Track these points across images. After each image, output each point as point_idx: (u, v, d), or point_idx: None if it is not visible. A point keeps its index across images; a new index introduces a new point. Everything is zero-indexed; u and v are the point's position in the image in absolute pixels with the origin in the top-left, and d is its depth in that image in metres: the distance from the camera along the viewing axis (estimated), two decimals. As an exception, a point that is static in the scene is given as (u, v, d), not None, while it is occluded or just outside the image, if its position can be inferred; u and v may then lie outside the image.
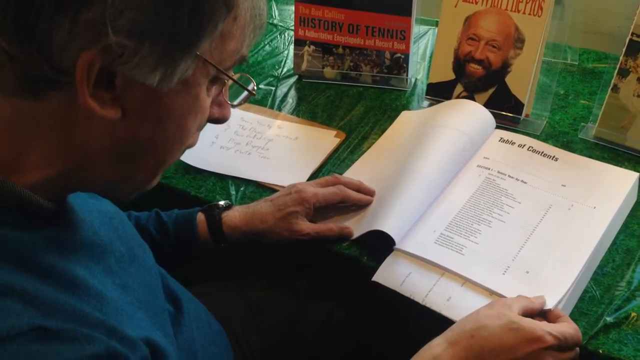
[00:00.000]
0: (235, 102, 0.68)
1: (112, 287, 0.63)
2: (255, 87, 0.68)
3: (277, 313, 1.02)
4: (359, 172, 1.08)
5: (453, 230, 0.94)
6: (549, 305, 0.82)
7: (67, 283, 0.57)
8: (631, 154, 1.07)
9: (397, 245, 0.92)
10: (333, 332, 1.02)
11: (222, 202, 0.99)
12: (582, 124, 1.13)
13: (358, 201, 1.00)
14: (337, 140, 1.16)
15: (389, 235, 0.91)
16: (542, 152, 1.05)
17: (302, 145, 1.16)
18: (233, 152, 1.16)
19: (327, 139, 1.17)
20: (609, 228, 0.93)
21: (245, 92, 0.67)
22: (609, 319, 0.84)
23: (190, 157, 1.14)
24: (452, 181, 1.01)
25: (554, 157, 1.04)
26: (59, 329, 0.53)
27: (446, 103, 1.14)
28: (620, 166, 1.05)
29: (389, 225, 0.92)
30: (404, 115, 1.19)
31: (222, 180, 1.10)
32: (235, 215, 0.96)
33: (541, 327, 0.74)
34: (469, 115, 1.09)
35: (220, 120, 0.66)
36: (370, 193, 1.00)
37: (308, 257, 1.04)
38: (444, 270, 0.89)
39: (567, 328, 0.76)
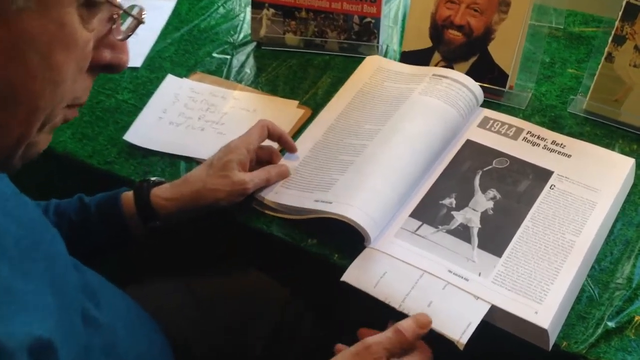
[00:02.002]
0: (120, 36, 0.56)
1: (8, 273, 0.53)
2: (144, 14, 0.57)
3: (230, 310, 0.92)
4: (318, 131, 0.97)
5: (436, 225, 0.83)
6: (547, 322, 0.72)
7: None
8: (626, 130, 0.97)
9: (372, 245, 0.80)
10: (292, 327, 0.94)
11: (153, 178, 0.88)
12: (571, 96, 1.02)
13: (281, 135, 0.91)
14: (300, 112, 1.03)
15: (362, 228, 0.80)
16: (530, 133, 0.94)
17: (262, 118, 1.03)
18: (184, 129, 1.02)
19: (289, 111, 1.04)
20: (607, 218, 0.83)
21: (130, 19, 0.56)
22: (610, 324, 0.75)
23: (134, 136, 1.00)
24: (433, 166, 0.90)
25: (544, 139, 0.93)
26: None
27: (433, 69, 1.01)
28: (614, 143, 0.95)
29: (364, 217, 0.80)
30: (372, 61, 1.06)
31: (173, 162, 0.97)
32: (166, 186, 0.87)
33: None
34: (462, 89, 0.96)
35: (114, 66, 0.56)
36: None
37: (269, 252, 0.92)
38: (423, 271, 0.78)
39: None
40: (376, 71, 1.04)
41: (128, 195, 0.86)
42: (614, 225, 0.85)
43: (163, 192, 0.85)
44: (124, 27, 0.56)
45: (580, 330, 0.75)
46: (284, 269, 0.93)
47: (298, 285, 0.94)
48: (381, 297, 0.76)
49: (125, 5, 0.54)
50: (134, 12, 0.56)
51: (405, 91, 0.97)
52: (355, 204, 0.81)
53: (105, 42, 0.55)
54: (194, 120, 1.03)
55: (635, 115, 0.95)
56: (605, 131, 0.97)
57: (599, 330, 0.74)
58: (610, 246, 0.83)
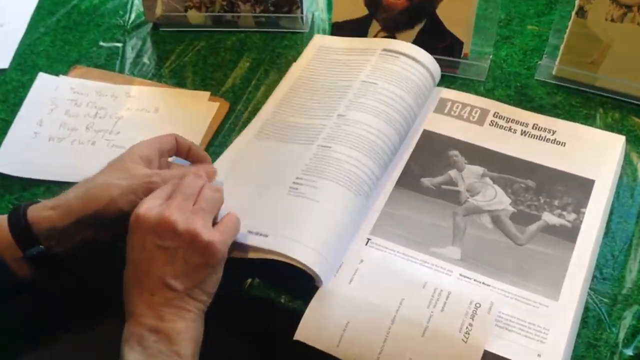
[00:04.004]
0: None
1: None
2: None
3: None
4: (249, 133, 0.78)
5: (407, 244, 0.66)
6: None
7: None
8: (605, 97, 0.82)
9: (325, 285, 0.63)
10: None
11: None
12: (537, 60, 0.87)
13: (191, 146, 0.72)
14: (214, 105, 0.84)
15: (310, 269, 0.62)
16: (497, 115, 0.78)
17: (167, 120, 0.83)
18: (69, 145, 0.81)
19: (200, 106, 0.84)
20: (605, 212, 0.69)
21: None
22: (627, 352, 0.61)
23: (5, 162, 0.78)
24: (388, 171, 0.73)
25: (518, 122, 0.77)
26: None
27: (382, 42, 0.83)
28: (595, 114, 0.81)
29: (311, 255, 0.62)
30: (314, 43, 0.88)
31: (63, 191, 0.76)
32: (46, 202, 0.65)
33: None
34: (419, 70, 0.79)
35: None
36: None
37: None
38: (395, 313, 0.62)
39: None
40: (317, 53, 0.85)
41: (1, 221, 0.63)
42: (609, 219, 0.71)
43: (43, 204, 0.64)
44: None
45: (592, 363, 0.61)
46: (226, 315, 0.75)
47: (245, 332, 0.76)
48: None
49: None
50: None
51: (352, 73, 0.79)
52: (298, 236, 0.63)
53: None
54: (81, 131, 0.82)
55: (616, 79, 0.80)
56: (581, 100, 0.82)
57: (615, 361, 0.61)
58: (610, 246, 0.68)
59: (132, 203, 0.63)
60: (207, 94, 0.85)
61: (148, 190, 0.63)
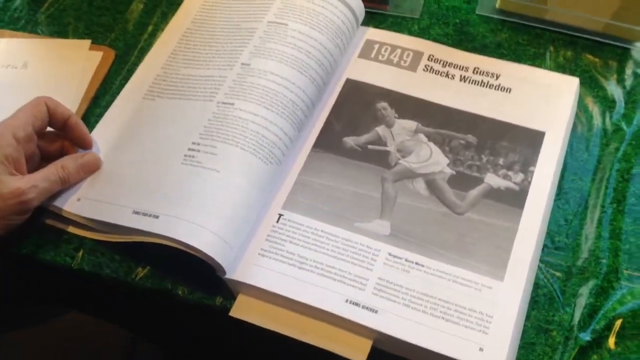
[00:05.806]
0: None
1: None
2: None
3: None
4: (136, 92, 0.65)
5: (326, 219, 0.55)
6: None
7: None
8: (556, 32, 0.71)
9: (229, 275, 0.52)
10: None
11: None
12: (478, -9, 0.75)
13: (69, 118, 0.59)
14: (97, 55, 0.70)
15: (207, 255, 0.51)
16: (432, 58, 0.66)
17: (38, 76, 0.70)
18: None
19: (79, 58, 0.70)
20: (557, 168, 0.59)
21: None
22: (583, 337, 0.52)
23: None
24: (305, 131, 0.61)
25: (456, 65, 0.65)
26: None
27: None
28: (544, 52, 0.70)
29: (209, 239, 0.51)
30: None
31: None
32: None
33: None
34: (336, 5, 0.65)
35: None
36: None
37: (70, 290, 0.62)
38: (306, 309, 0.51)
39: None
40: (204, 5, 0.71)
41: None
42: (561, 177, 0.61)
43: None
44: None
45: (544, 351, 0.52)
46: (118, 308, 0.64)
47: (142, 325, 0.65)
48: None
49: None
50: None
51: (256, 14, 0.66)
52: (194, 217, 0.52)
53: None
54: None
55: (567, 11, 0.69)
56: (529, 37, 0.71)
57: (570, 348, 0.52)
58: (562, 210, 0.59)
59: (6, 228, 0.53)
60: (88, 42, 0.71)
61: (23, 210, 0.53)
